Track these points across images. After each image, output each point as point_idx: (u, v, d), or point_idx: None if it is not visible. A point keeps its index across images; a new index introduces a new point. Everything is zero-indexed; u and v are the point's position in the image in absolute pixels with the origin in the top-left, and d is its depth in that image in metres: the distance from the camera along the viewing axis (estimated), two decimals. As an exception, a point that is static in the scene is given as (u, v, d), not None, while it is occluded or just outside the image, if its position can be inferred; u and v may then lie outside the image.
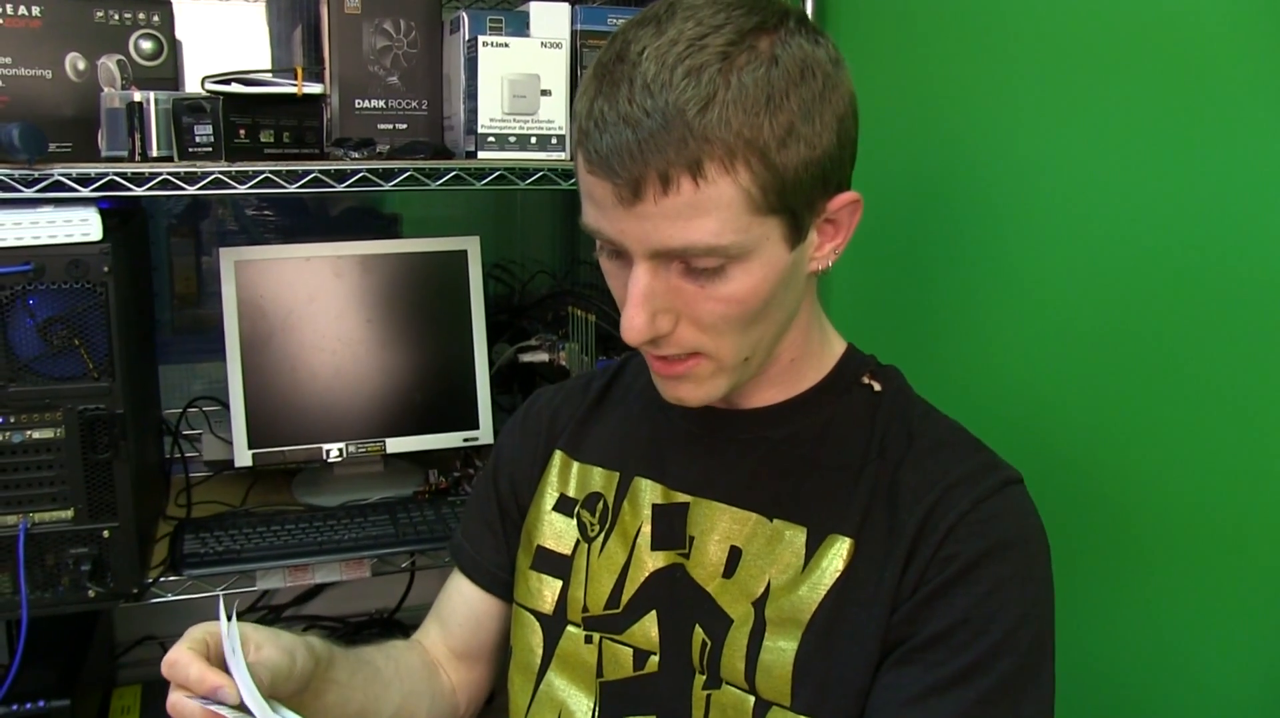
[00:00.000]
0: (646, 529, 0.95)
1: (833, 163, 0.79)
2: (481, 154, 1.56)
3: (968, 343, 1.35)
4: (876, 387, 0.93)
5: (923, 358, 1.22)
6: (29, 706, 1.46)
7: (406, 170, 1.50)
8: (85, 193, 1.38)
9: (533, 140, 1.58)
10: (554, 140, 1.59)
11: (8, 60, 1.44)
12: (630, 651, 0.94)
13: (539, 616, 1.00)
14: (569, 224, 2.31)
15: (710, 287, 0.78)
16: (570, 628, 0.98)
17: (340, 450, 1.73)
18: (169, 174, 1.41)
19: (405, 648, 1.12)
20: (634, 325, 0.79)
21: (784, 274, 0.80)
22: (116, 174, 1.39)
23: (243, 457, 1.70)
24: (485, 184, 1.54)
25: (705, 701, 0.89)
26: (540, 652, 1.00)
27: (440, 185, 1.52)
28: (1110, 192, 1.15)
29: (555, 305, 2.02)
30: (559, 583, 1.00)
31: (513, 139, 1.57)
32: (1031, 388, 1.26)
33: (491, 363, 1.84)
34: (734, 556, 0.90)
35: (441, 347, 1.79)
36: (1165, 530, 1.11)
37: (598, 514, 1.00)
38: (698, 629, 0.90)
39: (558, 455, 1.05)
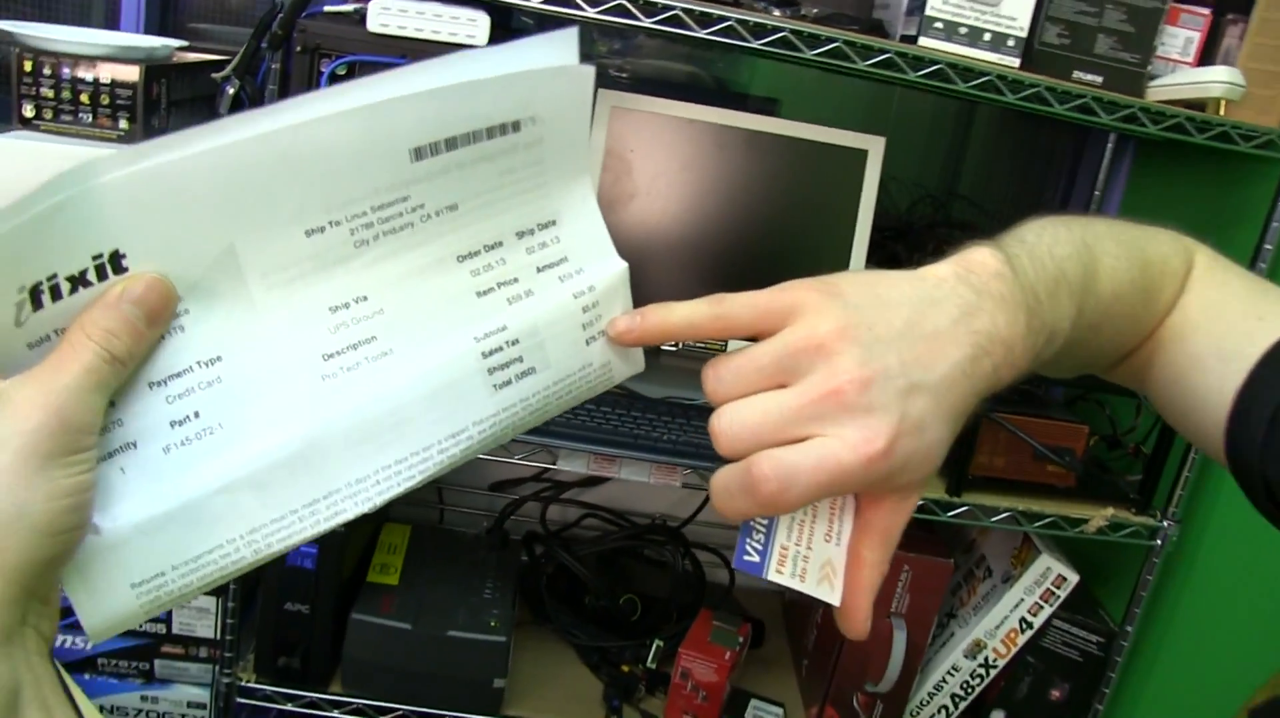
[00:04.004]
0: None
1: None
2: (923, 40, 1.31)
3: None
4: None
5: None
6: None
7: (835, 41, 1.27)
8: (482, -9, 1.23)
9: (986, 37, 1.32)
10: (1010, 42, 1.33)
11: None
12: None
13: None
14: (954, 148, 2.03)
15: None
16: None
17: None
18: (571, -9, 1.24)
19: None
20: None
21: None
22: (518, -21, 1.23)
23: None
24: (920, 76, 1.29)
25: None
26: None
27: (869, 66, 1.28)
28: None
29: (937, 236, 1.77)
30: None
31: (963, 30, 1.31)
32: None
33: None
34: None
35: (814, 250, 1.56)
36: None
37: None
38: None
39: None
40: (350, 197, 0.47)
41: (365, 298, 0.49)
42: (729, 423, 0.49)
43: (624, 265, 0.57)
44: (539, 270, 0.54)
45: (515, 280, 0.53)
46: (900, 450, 0.48)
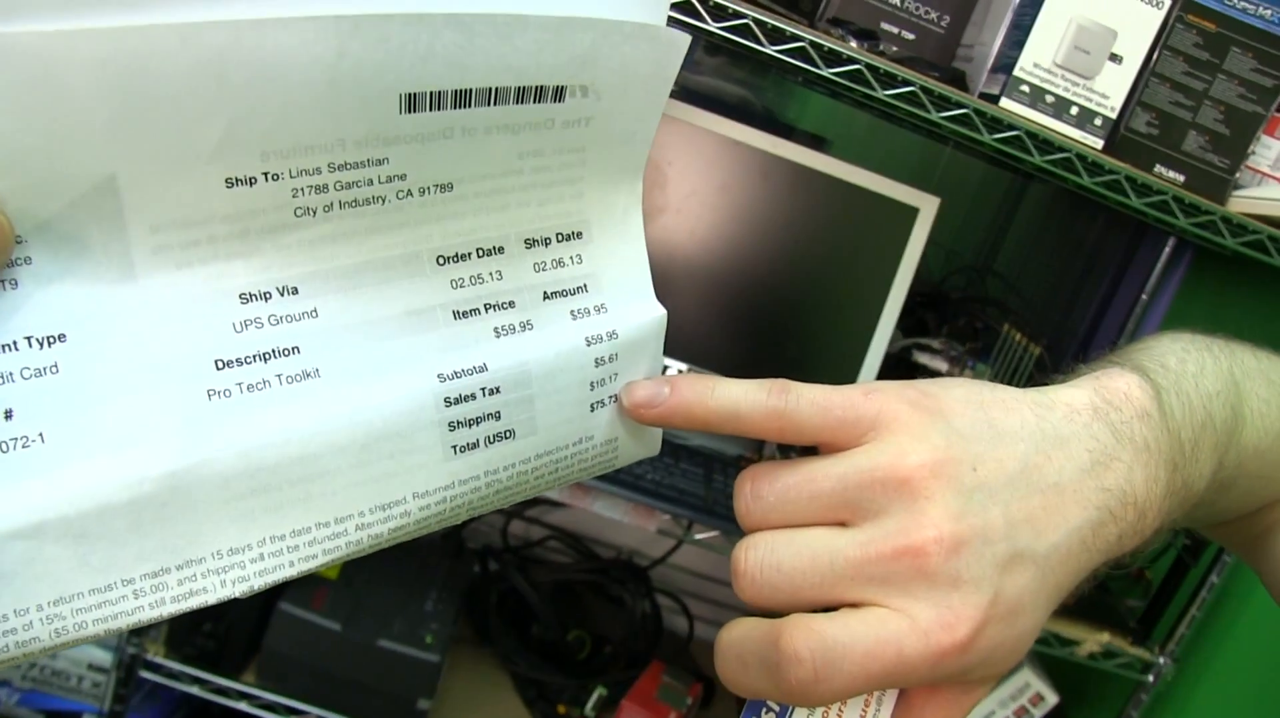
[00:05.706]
0: None
1: None
2: (1005, 103, 1.20)
3: None
4: None
5: None
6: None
7: (912, 85, 1.16)
8: None
9: (1073, 110, 1.21)
10: (1098, 120, 1.22)
11: None
12: None
13: None
14: (998, 223, 1.93)
15: None
16: None
17: (679, 372, 1.44)
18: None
19: None
20: None
21: None
22: None
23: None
24: (996, 139, 1.19)
25: None
26: None
27: (943, 118, 1.18)
28: None
29: (971, 311, 1.66)
30: None
31: (1050, 99, 1.21)
32: None
33: (880, 346, 1.50)
34: None
35: (843, 304, 1.45)
36: None
37: None
38: None
39: None
40: (302, 142, 0.31)
41: (295, 290, 0.33)
42: (759, 563, 0.36)
43: (662, 313, 0.43)
44: (546, 297, 0.39)
45: (511, 305, 0.38)
46: (985, 642, 0.35)
